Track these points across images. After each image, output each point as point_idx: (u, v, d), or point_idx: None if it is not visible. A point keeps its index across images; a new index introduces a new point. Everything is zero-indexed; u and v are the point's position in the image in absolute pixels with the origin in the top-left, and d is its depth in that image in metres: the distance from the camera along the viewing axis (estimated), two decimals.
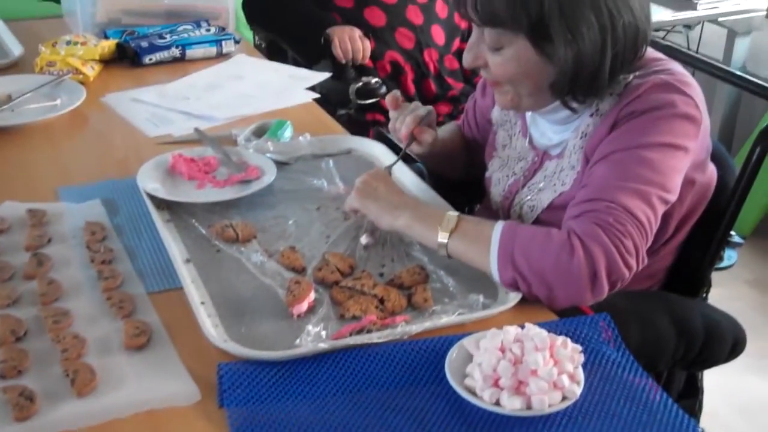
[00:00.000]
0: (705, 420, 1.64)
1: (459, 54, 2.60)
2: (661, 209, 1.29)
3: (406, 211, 1.37)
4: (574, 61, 1.29)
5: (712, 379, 1.67)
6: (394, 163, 1.61)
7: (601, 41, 1.29)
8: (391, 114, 1.62)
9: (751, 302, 3.05)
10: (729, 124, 3.54)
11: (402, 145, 1.61)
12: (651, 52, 1.40)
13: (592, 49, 1.29)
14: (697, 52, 3.60)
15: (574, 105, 1.37)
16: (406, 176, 1.64)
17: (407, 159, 1.72)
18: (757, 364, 2.59)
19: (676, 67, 1.39)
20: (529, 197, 1.49)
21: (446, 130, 1.79)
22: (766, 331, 2.88)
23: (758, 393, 2.64)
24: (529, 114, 1.53)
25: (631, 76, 1.36)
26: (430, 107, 1.62)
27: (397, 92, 1.62)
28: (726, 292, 2.15)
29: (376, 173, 1.48)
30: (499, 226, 1.28)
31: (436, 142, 1.62)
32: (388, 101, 1.61)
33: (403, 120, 1.58)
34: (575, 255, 1.21)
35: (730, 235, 1.57)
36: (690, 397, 1.63)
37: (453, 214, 1.33)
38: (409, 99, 1.71)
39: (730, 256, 2.24)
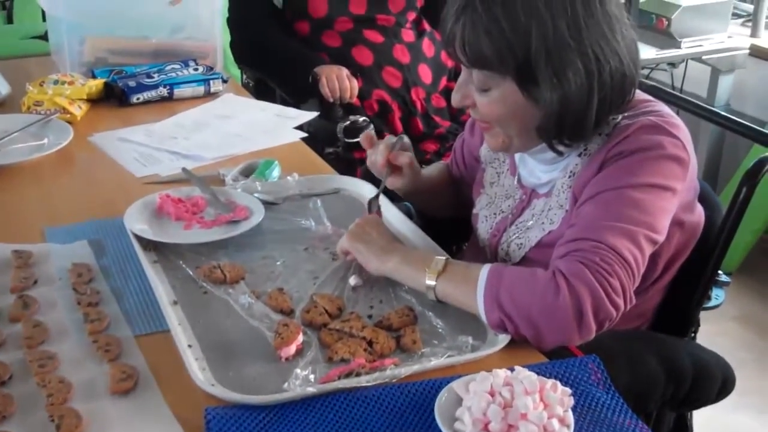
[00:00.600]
0: None
1: (446, 92, 2.62)
2: (648, 249, 1.30)
3: (395, 255, 1.38)
4: (560, 105, 1.30)
5: (699, 416, 1.66)
6: (378, 194, 1.62)
7: (587, 86, 1.30)
8: (368, 153, 1.63)
9: (738, 339, 3.05)
10: (713, 162, 3.57)
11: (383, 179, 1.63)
12: (639, 94, 1.42)
13: (579, 93, 1.30)
14: (681, 90, 3.63)
15: (561, 148, 1.38)
16: (393, 215, 1.64)
17: (394, 198, 1.73)
18: (743, 401, 2.58)
19: (665, 108, 1.40)
20: (516, 235, 1.49)
21: (433, 167, 1.81)
22: (754, 367, 2.88)
23: (745, 430, 2.63)
24: (517, 156, 1.53)
25: (620, 117, 1.37)
26: (401, 135, 1.65)
27: (370, 131, 1.64)
28: (712, 329, 2.15)
29: (371, 219, 1.50)
30: (486, 268, 1.29)
31: (417, 174, 1.64)
32: (362, 141, 1.64)
33: (376, 151, 1.61)
34: (560, 294, 1.21)
35: (718, 275, 1.58)
36: None
37: (441, 257, 1.34)
38: None
39: (717, 295, 2.23)
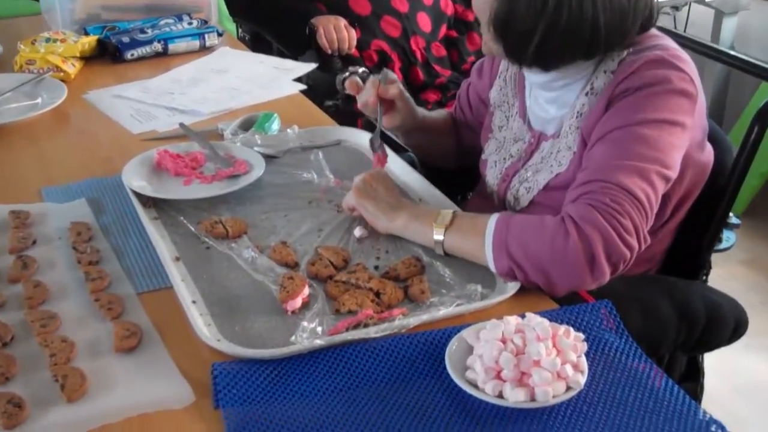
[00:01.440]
0: (702, 399, 1.63)
1: (446, 41, 2.57)
2: (661, 186, 1.26)
3: (403, 212, 1.36)
4: (507, 9, 1.28)
5: (710, 358, 1.65)
6: (377, 131, 1.59)
7: (538, 7, 1.26)
8: (358, 98, 1.60)
9: (746, 282, 3.04)
10: (719, 103, 3.53)
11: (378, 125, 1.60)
12: None
13: (526, 9, 1.27)
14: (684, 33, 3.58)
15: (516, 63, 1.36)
16: (397, 166, 1.61)
17: (398, 149, 1.70)
18: (753, 343, 2.56)
19: (671, 42, 1.37)
20: (525, 179, 1.46)
21: (436, 112, 1.78)
22: (763, 310, 2.88)
23: (755, 372, 2.63)
24: (527, 92, 1.50)
25: (625, 53, 1.34)
26: (385, 70, 1.62)
27: (355, 77, 1.61)
28: (721, 273, 2.14)
29: (376, 174, 1.46)
30: (494, 217, 1.26)
31: (411, 108, 1.61)
32: (348, 88, 1.61)
33: (365, 93, 1.58)
34: (570, 239, 1.18)
35: (728, 217, 1.55)
36: (691, 380, 1.61)
37: (448, 210, 1.32)
38: None
39: (728, 237, 2.21)
